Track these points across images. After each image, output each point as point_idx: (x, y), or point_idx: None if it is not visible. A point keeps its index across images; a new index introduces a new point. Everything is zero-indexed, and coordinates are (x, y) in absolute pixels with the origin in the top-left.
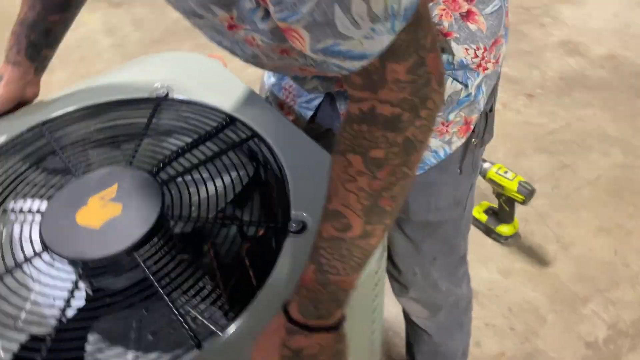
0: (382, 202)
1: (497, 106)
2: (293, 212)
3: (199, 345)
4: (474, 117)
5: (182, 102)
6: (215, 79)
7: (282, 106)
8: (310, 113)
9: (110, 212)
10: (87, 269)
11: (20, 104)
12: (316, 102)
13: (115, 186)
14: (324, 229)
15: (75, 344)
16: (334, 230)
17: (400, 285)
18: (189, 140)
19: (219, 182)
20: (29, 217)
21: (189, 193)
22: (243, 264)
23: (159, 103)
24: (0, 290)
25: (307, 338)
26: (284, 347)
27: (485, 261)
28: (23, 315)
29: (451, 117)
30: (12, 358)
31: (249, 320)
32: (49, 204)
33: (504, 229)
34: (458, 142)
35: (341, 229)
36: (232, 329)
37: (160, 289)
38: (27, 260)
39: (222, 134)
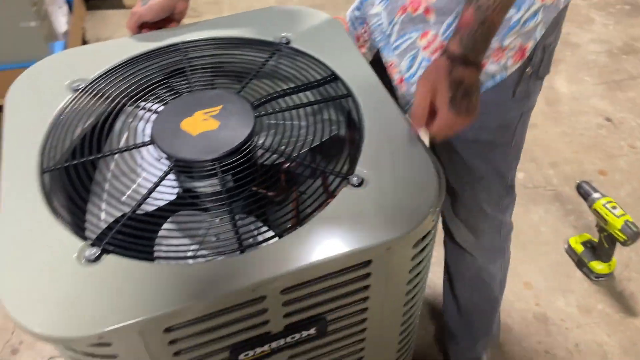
0: None
1: (638, 144)
2: (358, 168)
3: (242, 251)
4: (529, 44)
5: (297, 51)
6: (332, 37)
7: (358, 39)
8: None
9: (208, 126)
10: (177, 166)
11: (169, 19)
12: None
13: (220, 107)
14: None
15: (150, 225)
16: None
17: (449, 205)
18: (292, 85)
19: (307, 129)
20: (147, 115)
21: (276, 130)
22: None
23: (278, 48)
24: (113, 168)
25: (465, 69)
26: (448, 75)
27: (565, 292)
28: (127, 191)
29: (506, 42)
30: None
31: (287, 243)
32: (165, 108)
33: (597, 266)
34: (513, 68)
35: None
36: (272, 245)
37: (227, 199)
38: (136, 147)
39: (322, 87)
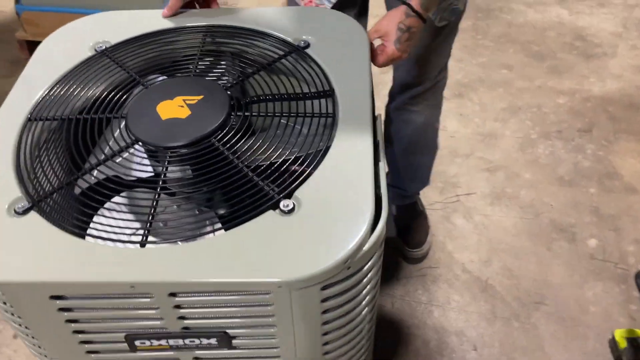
0: None
1: None
2: (296, 194)
3: (142, 245)
4: None
5: (309, 58)
6: (350, 49)
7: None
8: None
9: (180, 113)
10: (135, 142)
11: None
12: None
13: (201, 97)
14: None
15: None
16: None
17: (417, 94)
18: (285, 92)
19: (285, 139)
20: (141, 89)
21: (249, 131)
22: None
23: (292, 51)
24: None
25: (416, 20)
26: (400, 23)
27: None
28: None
29: None
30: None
31: (184, 250)
32: (153, 86)
33: None
34: None
35: None
36: (168, 247)
37: (165, 185)
38: (110, 118)
39: (315, 100)
